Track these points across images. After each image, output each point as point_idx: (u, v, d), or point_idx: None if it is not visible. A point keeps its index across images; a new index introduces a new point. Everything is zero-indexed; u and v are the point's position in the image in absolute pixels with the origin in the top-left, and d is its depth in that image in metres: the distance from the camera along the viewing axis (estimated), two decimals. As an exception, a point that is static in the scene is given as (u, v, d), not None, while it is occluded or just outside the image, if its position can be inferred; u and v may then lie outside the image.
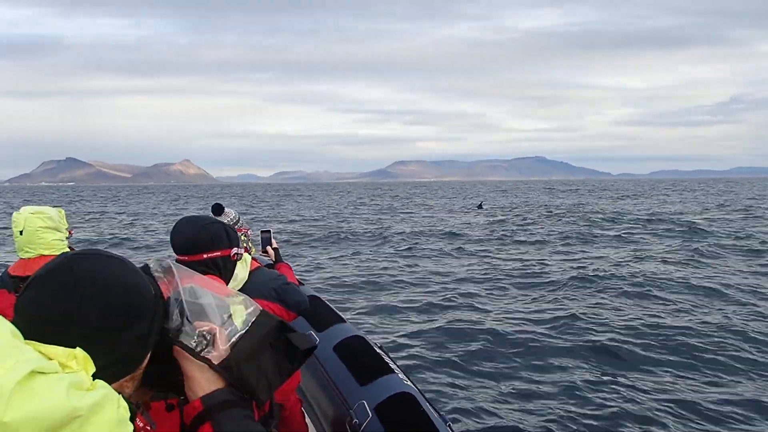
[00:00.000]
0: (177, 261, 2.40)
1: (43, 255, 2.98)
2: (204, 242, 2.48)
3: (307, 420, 3.98)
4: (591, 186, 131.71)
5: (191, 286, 1.34)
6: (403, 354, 7.85)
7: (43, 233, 3.04)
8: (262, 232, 3.97)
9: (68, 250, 3.05)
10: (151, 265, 1.33)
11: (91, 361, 1.05)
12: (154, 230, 27.66)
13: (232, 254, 2.55)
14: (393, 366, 3.89)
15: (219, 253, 2.50)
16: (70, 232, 3.23)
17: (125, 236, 24.34)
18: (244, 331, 1.34)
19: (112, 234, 25.60)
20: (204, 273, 2.34)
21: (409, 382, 3.74)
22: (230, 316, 1.35)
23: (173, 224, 2.61)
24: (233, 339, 1.32)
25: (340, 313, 4.60)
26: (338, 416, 3.75)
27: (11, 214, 3.17)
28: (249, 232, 3.58)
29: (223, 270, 2.55)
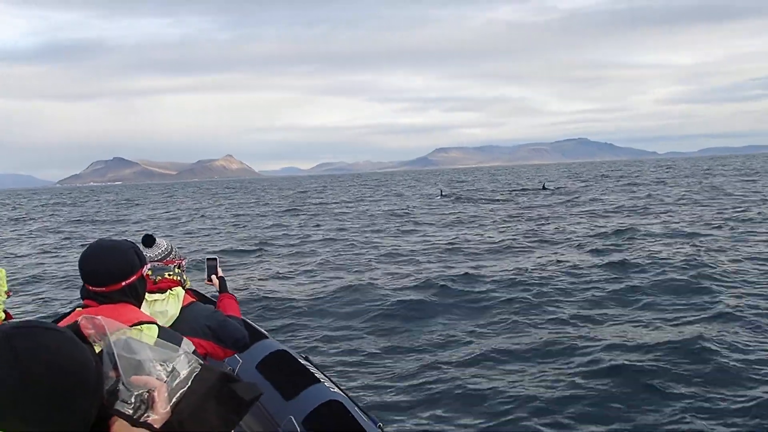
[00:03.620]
0: (92, 292, 2.40)
1: None
2: (121, 270, 2.39)
3: None
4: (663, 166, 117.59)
5: (126, 339, 1.23)
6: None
7: None
8: (207, 259, 3.82)
9: (2, 314, 2.99)
10: (82, 323, 1.23)
11: None
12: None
13: (145, 273, 2.51)
14: (319, 375, 3.86)
15: (135, 278, 2.44)
16: (8, 294, 3.09)
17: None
18: (186, 388, 1.24)
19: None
20: (120, 301, 2.38)
21: (336, 389, 3.72)
22: (172, 371, 1.25)
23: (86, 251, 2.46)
24: (174, 399, 1.22)
25: (262, 329, 4.52)
26: None
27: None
28: (184, 263, 3.34)
29: (141, 292, 2.52)
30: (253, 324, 4.57)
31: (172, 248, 3.31)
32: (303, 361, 4.07)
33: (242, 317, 4.58)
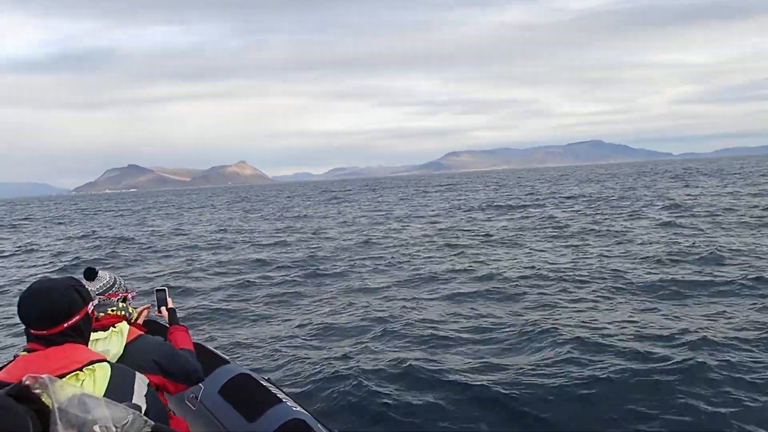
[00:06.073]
0: (35, 335, 2.28)
1: None
2: (62, 312, 2.29)
3: None
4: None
5: (80, 396, 1.19)
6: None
7: None
8: (156, 290, 3.71)
9: None
10: (28, 383, 1.18)
11: None
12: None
13: (90, 311, 2.42)
14: (281, 395, 3.90)
15: (78, 317, 2.34)
16: None
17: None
18: None
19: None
20: (65, 342, 2.28)
21: (299, 408, 3.75)
22: (125, 426, 1.20)
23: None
24: None
25: (224, 355, 4.57)
26: None
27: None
28: (130, 295, 3.22)
29: (86, 331, 2.42)
30: (214, 350, 4.67)
31: (115, 280, 3.19)
32: (265, 383, 4.09)
33: (202, 344, 4.53)
